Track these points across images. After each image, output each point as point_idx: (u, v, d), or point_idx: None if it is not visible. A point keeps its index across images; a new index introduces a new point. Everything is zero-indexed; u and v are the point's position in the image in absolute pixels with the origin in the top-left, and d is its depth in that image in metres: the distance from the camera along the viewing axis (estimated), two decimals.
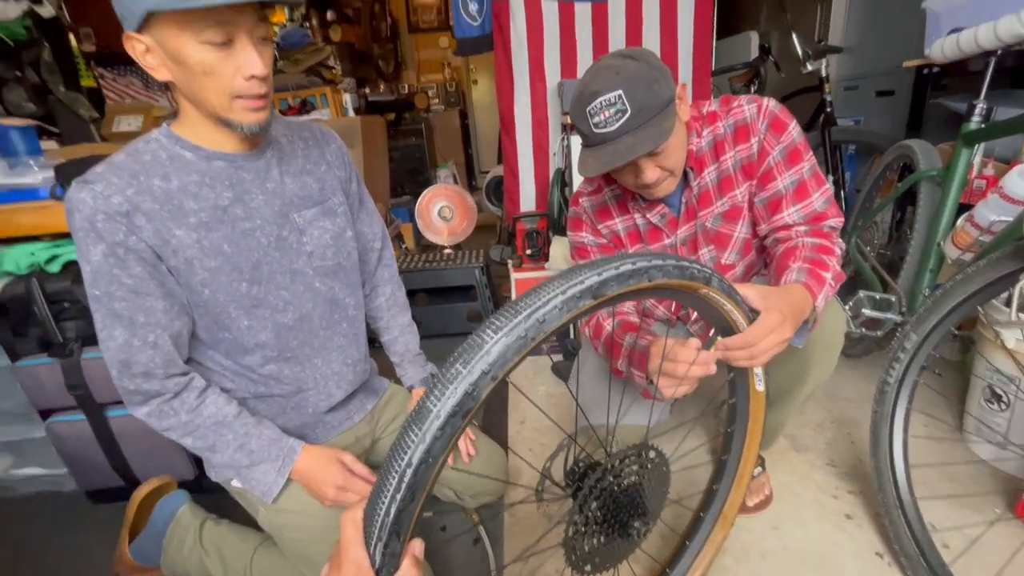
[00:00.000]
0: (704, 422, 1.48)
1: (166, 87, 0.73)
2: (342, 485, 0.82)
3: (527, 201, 2.33)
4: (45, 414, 1.24)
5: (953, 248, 1.23)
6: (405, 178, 4.16)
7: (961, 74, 1.74)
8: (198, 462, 1.26)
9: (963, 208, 1.29)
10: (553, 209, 2.16)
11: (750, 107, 0.93)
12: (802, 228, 0.93)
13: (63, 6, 2.61)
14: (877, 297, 1.43)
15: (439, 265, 2.24)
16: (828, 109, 1.98)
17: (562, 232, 2.11)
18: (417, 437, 0.47)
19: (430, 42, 5.71)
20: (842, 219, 0.94)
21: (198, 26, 0.65)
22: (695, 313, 1.00)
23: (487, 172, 4.41)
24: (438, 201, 2.58)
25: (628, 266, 0.55)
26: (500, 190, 2.70)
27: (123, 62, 2.76)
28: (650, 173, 0.88)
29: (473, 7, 2.17)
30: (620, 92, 0.80)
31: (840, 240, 0.93)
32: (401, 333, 1.08)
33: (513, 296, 2.12)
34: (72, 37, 2.61)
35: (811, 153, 0.93)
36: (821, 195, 0.93)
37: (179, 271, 0.75)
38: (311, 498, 0.85)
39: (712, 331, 0.74)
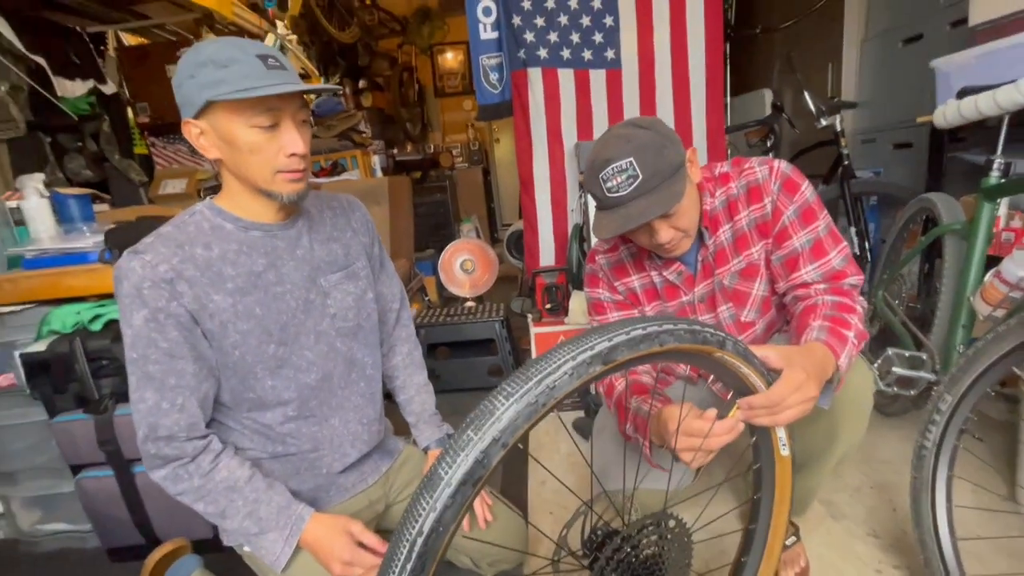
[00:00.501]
0: (733, 485, 1.42)
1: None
2: (348, 560, 0.80)
3: (547, 256, 2.38)
4: (76, 469, 1.27)
5: (983, 304, 1.19)
6: (430, 232, 4.30)
7: (978, 128, 1.75)
8: None
9: (993, 260, 1.26)
10: (572, 264, 2.19)
11: (762, 168, 0.95)
12: (821, 286, 0.92)
13: (124, 83, 2.89)
14: (907, 354, 1.38)
15: (460, 319, 2.27)
16: (846, 162, 2.00)
17: (581, 286, 2.13)
18: (428, 505, 0.47)
19: (455, 105, 6.04)
20: (862, 277, 0.93)
21: (249, 113, 0.73)
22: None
23: (508, 225, 4.53)
24: (461, 255, 2.65)
25: (639, 331, 0.56)
26: (521, 243, 2.76)
27: (173, 132, 3.00)
28: (664, 234, 0.90)
29: (494, 76, 2.31)
30: (631, 159, 0.84)
31: (861, 298, 0.91)
32: (417, 392, 1.09)
33: (533, 350, 2.12)
34: (130, 111, 2.87)
35: (825, 212, 0.94)
36: (839, 253, 0.93)
37: (213, 334, 0.79)
38: (321, 566, 0.84)
39: (731, 395, 0.73)
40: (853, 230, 1.96)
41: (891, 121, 2.25)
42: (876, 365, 1.46)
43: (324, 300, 0.89)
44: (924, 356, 1.38)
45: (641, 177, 0.84)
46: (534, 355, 1.88)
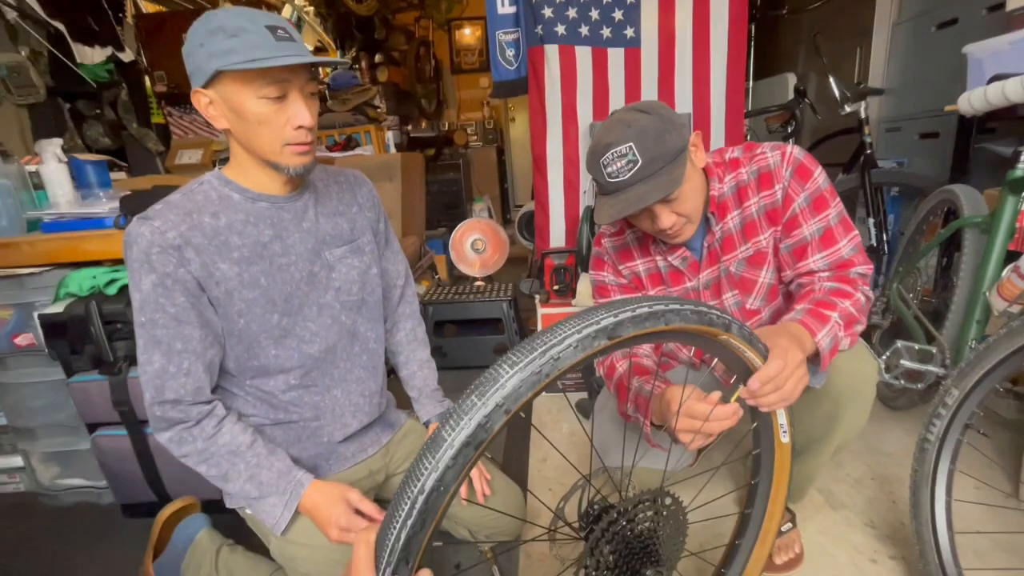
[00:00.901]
0: (733, 469, 1.42)
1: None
2: (345, 527, 0.82)
3: (557, 237, 2.36)
4: (92, 428, 1.31)
5: (999, 299, 1.17)
6: (442, 210, 4.29)
7: (1009, 118, 1.69)
8: None
9: (1012, 256, 1.24)
10: (582, 246, 2.18)
11: (773, 154, 0.94)
12: (825, 274, 0.92)
13: (142, 52, 2.89)
14: (916, 347, 1.36)
15: (469, 298, 2.28)
16: (868, 151, 1.95)
17: None
18: (430, 465, 0.48)
19: (471, 82, 5.97)
20: (870, 267, 0.92)
21: (257, 83, 0.73)
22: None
23: (521, 206, 4.50)
24: (472, 234, 2.65)
25: (644, 309, 0.56)
26: (532, 224, 2.75)
27: (189, 102, 3.00)
28: (665, 219, 0.90)
29: (510, 52, 2.27)
30: (631, 144, 0.83)
31: (867, 288, 0.90)
32: (420, 368, 1.10)
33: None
34: (147, 79, 2.88)
35: (838, 200, 0.93)
36: (849, 242, 0.91)
37: (219, 301, 0.80)
38: (319, 531, 0.86)
39: (734, 379, 0.73)
40: (871, 221, 1.92)
41: (919, 109, 2.19)
42: (885, 357, 1.44)
43: (328, 273, 0.90)
44: (934, 350, 1.36)
45: (640, 162, 0.83)
46: None
